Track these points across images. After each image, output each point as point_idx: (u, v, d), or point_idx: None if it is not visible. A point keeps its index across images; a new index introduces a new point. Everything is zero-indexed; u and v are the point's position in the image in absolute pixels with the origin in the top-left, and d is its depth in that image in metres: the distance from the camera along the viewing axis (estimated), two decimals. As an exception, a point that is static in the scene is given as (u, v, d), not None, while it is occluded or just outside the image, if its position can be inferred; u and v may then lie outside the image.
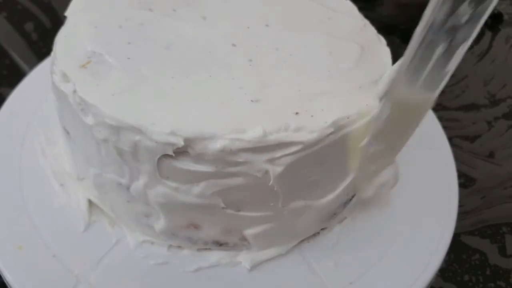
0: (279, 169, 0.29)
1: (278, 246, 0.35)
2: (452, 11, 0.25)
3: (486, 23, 0.71)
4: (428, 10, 0.26)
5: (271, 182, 0.29)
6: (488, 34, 0.64)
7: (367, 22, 0.36)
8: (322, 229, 0.37)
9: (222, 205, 0.31)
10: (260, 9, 0.36)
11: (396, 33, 0.46)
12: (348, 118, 0.30)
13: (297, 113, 0.29)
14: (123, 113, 0.28)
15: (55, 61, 0.31)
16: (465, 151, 0.51)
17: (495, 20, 0.65)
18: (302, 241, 0.37)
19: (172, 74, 0.31)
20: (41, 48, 0.55)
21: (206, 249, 0.35)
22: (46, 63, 0.44)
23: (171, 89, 0.30)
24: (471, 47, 0.62)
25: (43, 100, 0.41)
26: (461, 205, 0.39)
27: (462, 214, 0.45)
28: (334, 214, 0.36)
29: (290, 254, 0.36)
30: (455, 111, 0.55)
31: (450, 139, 0.44)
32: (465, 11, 0.25)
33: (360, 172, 0.33)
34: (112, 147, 0.29)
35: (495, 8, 0.69)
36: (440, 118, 0.45)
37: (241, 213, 0.32)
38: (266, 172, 0.29)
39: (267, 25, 0.34)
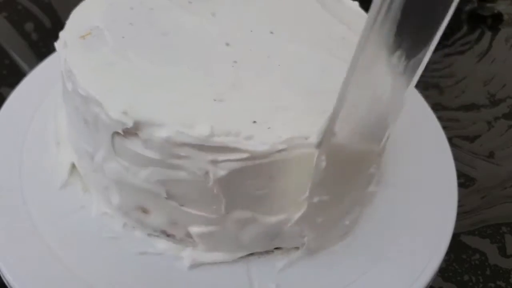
0: (221, 172, 0.29)
1: (224, 252, 0.34)
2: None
3: (486, 23, 0.71)
4: (356, 51, 0.23)
5: (210, 184, 0.29)
6: (488, 34, 0.64)
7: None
8: (276, 248, 0.35)
9: (165, 195, 0.31)
10: (274, 15, 0.36)
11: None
12: (306, 139, 0.28)
13: (254, 122, 0.29)
14: (93, 86, 0.30)
15: (64, 28, 0.34)
16: (465, 151, 0.51)
17: (495, 20, 0.65)
18: (253, 254, 0.35)
19: (154, 60, 0.32)
20: (41, 48, 0.55)
21: (155, 235, 0.35)
22: (46, 63, 0.44)
23: (145, 74, 0.31)
24: (471, 47, 0.63)
25: (43, 100, 0.41)
26: (461, 205, 0.39)
27: (462, 214, 0.45)
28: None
29: (236, 264, 0.35)
30: (455, 111, 0.55)
31: (450, 139, 0.44)
32: (398, 62, 0.24)
33: (305, 221, 0.32)
34: (81, 115, 0.31)
35: (495, 8, 0.69)
36: (440, 118, 0.45)
37: (184, 208, 0.32)
38: (207, 173, 0.29)
39: (271, 32, 0.34)
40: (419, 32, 0.22)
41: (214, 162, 0.28)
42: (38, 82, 0.43)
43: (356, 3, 0.39)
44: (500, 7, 0.66)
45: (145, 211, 0.34)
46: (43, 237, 0.35)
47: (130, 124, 0.28)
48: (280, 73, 0.32)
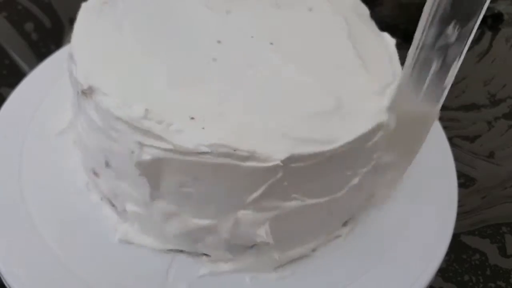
0: (146, 156, 0.29)
1: (153, 239, 0.35)
2: (440, 32, 0.28)
3: (486, 23, 0.71)
4: (418, 31, 0.28)
5: (134, 164, 0.30)
6: (488, 34, 0.64)
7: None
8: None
9: (104, 163, 0.32)
10: (286, 28, 0.35)
11: (396, 33, 0.46)
12: (234, 150, 0.28)
13: (192, 118, 0.29)
14: (78, 46, 0.33)
15: None
16: (465, 151, 0.51)
17: (495, 20, 0.65)
18: (183, 252, 0.35)
19: (144, 38, 0.33)
20: (41, 48, 0.55)
21: (103, 200, 0.36)
22: (46, 64, 0.44)
23: (126, 47, 0.33)
24: (471, 47, 0.63)
25: (43, 100, 0.41)
26: (461, 205, 0.39)
27: (462, 214, 0.45)
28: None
29: (163, 255, 0.35)
30: (455, 111, 0.55)
31: (450, 139, 0.44)
32: (452, 32, 0.28)
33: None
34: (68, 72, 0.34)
35: (495, 8, 0.69)
36: (440, 118, 0.44)
37: (119, 182, 0.32)
38: (133, 152, 0.29)
39: (271, 43, 0.34)
40: (470, 4, 0.27)
41: (141, 145, 0.29)
42: (38, 82, 0.43)
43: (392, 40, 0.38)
44: (500, 7, 0.66)
45: (96, 174, 0.35)
46: (43, 237, 0.35)
47: (85, 85, 0.30)
48: (256, 84, 0.32)
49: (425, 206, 0.39)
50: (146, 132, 0.29)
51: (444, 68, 0.29)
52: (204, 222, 0.32)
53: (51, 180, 0.37)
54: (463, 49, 0.29)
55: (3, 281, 0.33)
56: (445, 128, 0.44)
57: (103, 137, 0.31)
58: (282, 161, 0.28)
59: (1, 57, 0.54)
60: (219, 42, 0.34)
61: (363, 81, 0.33)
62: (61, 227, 0.35)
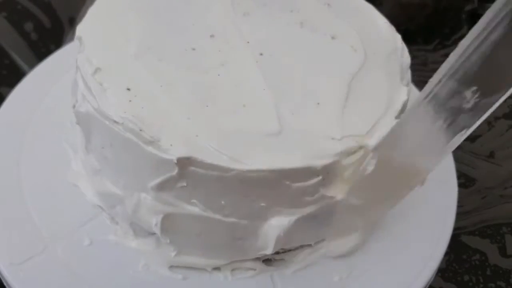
0: (80, 108, 0.31)
1: (89, 189, 0.36)
2: (458, 91, 0.24)
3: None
4: (434, 78, 0.25)
5: (73, 112, 0.33)
6: (488, 34, 0.64)
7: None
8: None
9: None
10: (288, 45, 0.34)
11: (396, 33, 0.46)
12: (140, 130, 0.28)
13: (128, 89, 0.30)
14: (87, 31, 0.34)
15: None
16: (465, 151, 0.51)
17: (495, 20, 0.65)
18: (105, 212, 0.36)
19: (147, 26, 0.34)
20: (41, 48, 0.55)
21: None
22: (45, 64, 0.44)
23: (131, 33, 0.34)
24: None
25: (43, 100, 0.41)
26: (461, 205, 0.39)
27: (462, 214, 0.45)
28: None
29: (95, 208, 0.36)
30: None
31: (450, 139, 0.44)
32: (470, 97, 0.24)
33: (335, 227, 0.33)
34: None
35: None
36: (440, 118, 0.45)
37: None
38: (77, 101, 0.32)
39: (261, 54, 0.33)
40: (501, 75, 0.24)
41: (83, 97, 0.31)
42: (38, 82, 0.43)
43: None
44: (500, 7, 0.66)
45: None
46: (43, 237, 0.35)
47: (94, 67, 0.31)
48: (215, 82, 0.32)
49: (424, 206, 0.39)
50: (89, 89, 0.31)
51: (450, 133, 0.26)
52: (116, 190, 0.33)
53: (51, 180, 0.37)
54: (475, 122, 0.25)
55: (3, 281, 0.33)
56: (445, 128, 0.44)
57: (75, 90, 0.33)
58: (178, 159, 0.28)
59: (0, 57, 0.54)
60: (212, 36, 0.34)
61: (327, 119, 0.31)
62: (61, 226, 0.35)
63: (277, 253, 0.34)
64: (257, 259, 0.34)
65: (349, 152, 0.30)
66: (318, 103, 0.31)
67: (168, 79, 0.31)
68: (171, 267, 0.34)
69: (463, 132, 0.26)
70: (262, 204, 0.30)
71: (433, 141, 0.27)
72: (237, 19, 0.36)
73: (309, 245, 0.35)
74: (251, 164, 0.28)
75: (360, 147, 0.30)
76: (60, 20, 0.58)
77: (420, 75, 0.35)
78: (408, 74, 0.35)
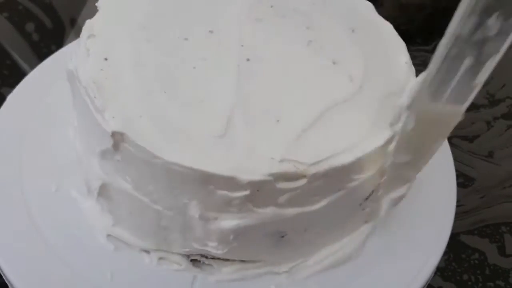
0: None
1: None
2: (480, 23, 0.24)
3: (485, 24, 0.70)
4: (453, 22, 0.25)
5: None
6: (487, 35, 0.64)
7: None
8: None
9: None
10: (281, 56, 0.34)
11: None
12: (124, 134, 0.29)
13: (141, 116, 0.30)
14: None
15: None
16: (464, 151, 0.51)
17: (494, 21, 0.65)
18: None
19: (152, 13, 0.35)
20: (42, 48, 0.55)
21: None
22: (45, 63, 0.44)
23: (124, 29, 0.34)
24: (471, 47, 0.63)
25: (43, 100, 0.42)
26: (460, 204, 0.40)
27: (461, 213, 0.45)
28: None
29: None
30: (454, 111, 0.55)
31: (449, 139, 0.44)
32: (494, 23, 0.25)
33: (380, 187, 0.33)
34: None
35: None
36: (440, 118, 0.45)
37: None
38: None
39: (248, 59, 0.33)
40: None
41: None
42: (38, 81, 0.43)
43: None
44: (499, 7, 0.66)
45: None
46: (45, 236, 0.35)
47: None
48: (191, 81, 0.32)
49: (423, 205, 0.39)
50: (78, 49, 0.33)
51: (477, 65, 0.26)
52: (80, 149, 0.36)
53: (51, 179, 0.37)
54: (502, 45, 0.26)
55: (5, 280, 0.34)
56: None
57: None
58: (112, 132, 0.29)
59: (2, 57, 0.54)
60: (210, 31, 0.35)
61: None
62: (63, 226, 0.35)
63: (205, 257, 0.34)
64: (186, 256, 0.34)
65: (285, 177, 0.29)
66: (278, 121, 0.30)
67: (144, 60, 0.32)
68: (109, 236, 0.35)
69: (492, 58, 0.27)
70: (186, 201, 0.30)
71: (464, 82, 0.27)
72: (246, 23, 0.35)
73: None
74: (176, 157, 0.28)
75: (302, 175, 0.29)
76: (61, 20, 0.58)
77: (419, 75, 0.35)
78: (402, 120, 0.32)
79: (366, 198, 0.33)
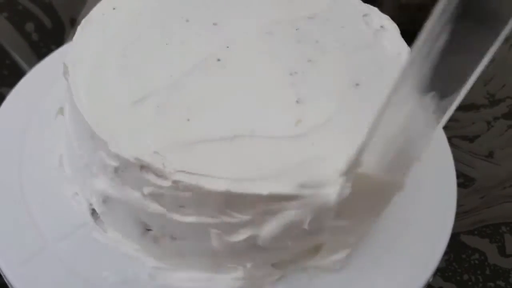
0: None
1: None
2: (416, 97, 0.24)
3: (485, 24, 0.70)
4: (392, 88, 0.24)
5: None
6: (488, 35, 0.64)
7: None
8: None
9: None
10: (264, 72, 0.34)
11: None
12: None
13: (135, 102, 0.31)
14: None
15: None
16: (464, 151, 0.51)
17: (495, 21, 0.65)
18: None
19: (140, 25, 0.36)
20: (42, 48, 0.55)
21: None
22: (45, 63, 0.44)
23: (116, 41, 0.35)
24: (471, 47, 0.63)
25: (43, 99, 0.41)
26: (460, 205, 0.40)
27: (462, 214, 0.45)
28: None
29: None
30: (454, 111, 0.55)
31: (449, 139, 0.44)
32: (430, 102, 0.25)
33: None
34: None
35: (494, 9, 0.69)
36: (440, 118, 0.45)
37: None
38: None
39: (218, 60, 0.34)
40: (454, 76, 0.24)
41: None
42: (37, 81, 0.43)
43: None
44: (500, 7, 0.66)
45: None
46: (45, 236, 0.35)
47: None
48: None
49: (424, 205, 0.39)
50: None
51: (414, 139, 0.26)
52: None
53: (51, 179, 0.37)
54: (439, 122, 0.25)
55: (5, 280, 0.34)
56: (444, 128, 0.44)
57: None
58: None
59: (1, 57, 0.54)
60: (215, 24, 0.36)
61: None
62: (63, 225, 0.35)
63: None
64: (89, 203, 0.36)
65: (150, 168, 0.28)
66: (188, 120, 0.30)
67: (137, 24, 0.35)
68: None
69: (430, 132, 0.26)
70: (83, 147, 0.32)
71: (403, 154, 0.26)
72: (254, 32, 0.35)
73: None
74: (79, 101, 0.31)
75: (164, 176, 0.28)
76: (61, 20, 0.58)
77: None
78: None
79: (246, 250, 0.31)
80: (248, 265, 0.32)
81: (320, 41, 0.35)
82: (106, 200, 0.32)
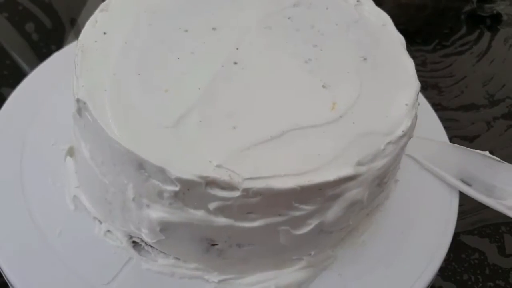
0: None
1: None
2: None
3: (485, 24, 0.71)
4: None
5: None
6: (487, 35, 0.64)
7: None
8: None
9: None
10: (272, 69, 0.34)
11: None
12: (85, 102, 0.30)
13: (105, 91, 0.31)
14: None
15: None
16: (464, 151, 0.51)
17: (494, 21, 0.66)
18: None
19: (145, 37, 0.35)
20: (42, 48, 0.55)
21: None
22: (46, 64, 0.44)
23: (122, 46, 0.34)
24: (471, 47, 0.63)
25: (44, 100, 0.42)
26: (460, 204, 0.40)
27: (462, 213, 0.45)
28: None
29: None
30: (454, 111, 0.55)
31: (449, 139, 0.44)
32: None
33: None
34: None
35: (494, 9, 0.69)
36: (439, 118, 0.45)
37: None
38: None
39: (235, 62, 0.34)
40: None
41: None
42: (39, 82, 0.43)
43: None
44: (499, 7, 0.67)
45: None
46: (44, 236, 0.35)
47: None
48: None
49: (425, 206, 0.39)
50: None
51: None
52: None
53: (52, 179, 0.37)
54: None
55: (5, 278, 0.34)
56: (444, 128, 0.44)
57: None
58: (77, 99, 0.31)
59: (2, 57, 0.54)
60: (214, 29, 0.35)
61: None
62: (63, 226, 0.35)
63: (145, 242, 0.34)
64: (128, 236, 0.35)
65: (217, 184, 0.28)
66: (235, 128, 0.30)
67: (137, 42, 0.34)
68: (75, 197, 0.37)
69: None
70: (125, 181, 0.31)
71: None
72: (254, 28, 0.36)
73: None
74: (117, 135, 0.29)
75: (235, 187, 0.28)
76: (61, 20, 0.58)
77: (419, 75, 0.35)
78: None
79: (315, 234, 0.32)
80: (312, 252, 0.33)
81: (315, 26, 0.37)
82: (165, 227, 0.31)
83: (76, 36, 0.52)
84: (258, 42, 0.35)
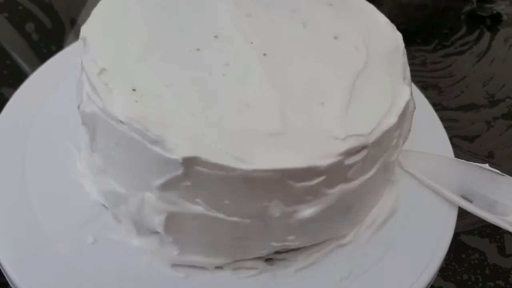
0: (86, 109, 0.32)
1: (94, 187, 0.37)
2: None
3: (485, 24, 0.71)
4: None
5: (79, 112, 0.34)
6: (487, 35, 0.64)
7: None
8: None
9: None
10: (290, 43, 0.35)
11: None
12: (146, 130, 0.29)
13: (134, 90, 0.31)
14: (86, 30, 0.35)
15: None
16: (464, 151, 0.51)
17: (494, 21, 0.66)
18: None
19: (151, 31, 0.35)
20: (42, 48, 0.55)
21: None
22: (48, 65, 0.44)
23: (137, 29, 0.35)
24: (471, 47, 0.63)
25: (46, 101, 0.42)
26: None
27: (462, 213, 0.45)
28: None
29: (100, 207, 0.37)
30: (454, 111, 0.55)
31: (449, 139, 0.44)
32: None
33: None
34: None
35: (494, 9, 0.69)
36: (439, 118, 0.45)
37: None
38: (82, 102, 0.34)
39: (264, 54, 0.34)
40: None
41: (88, 97, 0.32)
42: (41, 82, 0.43)
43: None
44: (499, 7, 0.67)
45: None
46: (47, 235, 0.35)
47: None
48: (219, 82, 0.32)
49: (425, 205, 0.39)
50: (94, 89, 0.31)
51: None
52: (120, 189, 0.33)
53: (54, 179, 0.37)
54: None
55: (7, 278, 0.34)
56: (444, 128, 0.44)
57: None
58: (183, 159, 0.28)
59: (2, 57, 0.54)
60: (215, 37, 0.35)
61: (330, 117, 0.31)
62: (65, 224, 0.35)
63: (278, 252, 0.34)
64: (259, 258, 0.34)
65: (353, 152, 0.30)
66: (322, 103, 0.32)
67: (173, 79, 0.32)
68: (174, 265, 0.34)
69: None
70: (265, 204, 0.30)
71: None
72: (239, 20, 0.36)
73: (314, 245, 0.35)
74: (256, 164, 0.28)
75: (363, 147, 0.30)
76: (61, 21, 0.58)
77: (419, 75, 0.35)
78: (408, 73, 0.36)
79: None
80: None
81: (302, 10, 0.38)
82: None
83: (76, 36, 0.52)
84: (258, 30, 0.36)
